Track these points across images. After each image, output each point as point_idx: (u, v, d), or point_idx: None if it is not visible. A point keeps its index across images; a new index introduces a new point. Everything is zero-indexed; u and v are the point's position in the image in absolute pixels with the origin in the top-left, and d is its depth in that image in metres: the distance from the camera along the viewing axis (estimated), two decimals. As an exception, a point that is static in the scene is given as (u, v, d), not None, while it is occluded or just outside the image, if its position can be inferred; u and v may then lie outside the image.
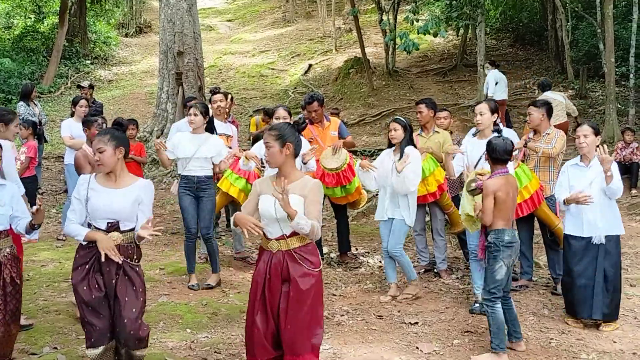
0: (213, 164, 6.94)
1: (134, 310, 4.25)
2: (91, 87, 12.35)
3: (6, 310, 4.40)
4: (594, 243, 6.01)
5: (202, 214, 6.97)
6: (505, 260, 5.30)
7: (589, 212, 6.02)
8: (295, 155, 4.21)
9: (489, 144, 5.47)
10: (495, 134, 6.02)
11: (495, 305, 5.29)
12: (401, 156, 6.66)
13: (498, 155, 5.40)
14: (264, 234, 4.14)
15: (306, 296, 4.07)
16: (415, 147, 6.83)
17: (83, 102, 9.21)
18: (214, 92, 8.51)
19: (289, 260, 4.08)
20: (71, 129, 8.84)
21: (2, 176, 4.83)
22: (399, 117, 6.93)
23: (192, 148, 6.84)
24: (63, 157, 10.01)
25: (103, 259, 4.16)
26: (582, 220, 6.06)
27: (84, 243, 4.25)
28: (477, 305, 6.46)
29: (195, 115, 6.90)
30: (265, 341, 4.10)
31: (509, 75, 19.28)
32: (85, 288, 4.20)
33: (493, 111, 6.63)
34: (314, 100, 8.16)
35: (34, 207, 4.36)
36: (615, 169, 5.98)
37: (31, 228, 4.46)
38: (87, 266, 4.22)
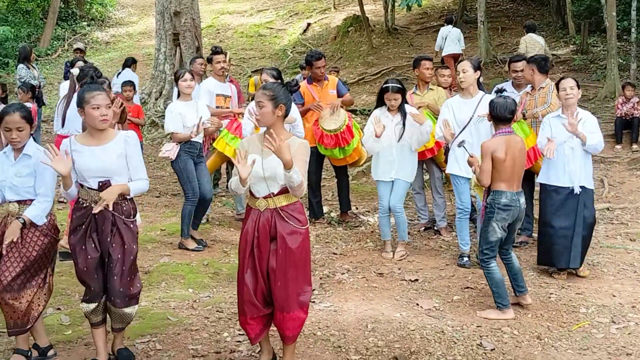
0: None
1: (123, 268, 4.25)
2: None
3: (6, 277, 4.25)
4: (575, 193, 6.09)
5: (206, 180, 7.11)
6: (499, 223, 5.27)
7: (570, 162, 6.10)
8: (285, 116, 4.22)
9: (491, 103, 5.41)
10: (498, 93, 5.98)
11: (490, 266, 5.31)
12: (404, 118, 6.73)
13: (499, 114, 5.34)
14: (251, 192, 4.16)
15: (294, 254, 4.09)
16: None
17: (80, 64, 9.11)
18: (216, 51, 8.42)
19: (277, 219, 4.10)
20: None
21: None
22: (394, 84, 6.78)
23: (193, 115, 6.93)
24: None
25: (96, 213, 4.15)
26: (563, 170, 6.13)
27: (77, 202, 4.23)
28: (466, 259, 6.58)
29: (192, 80, 7.06)
30: (254, 299, 4.13)
31: (510, 31, 19.12)
32: (82, 248, 4.19)
33: (476, 68, 6.62)
34: (321, 56, 8.16)
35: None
36: (594, 125, 6.15)
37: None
38: (84, 227, 4.21)
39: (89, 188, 4.22)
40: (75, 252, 4.23)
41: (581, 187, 6.11)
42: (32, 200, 4.33)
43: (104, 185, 4.19)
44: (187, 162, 6.93)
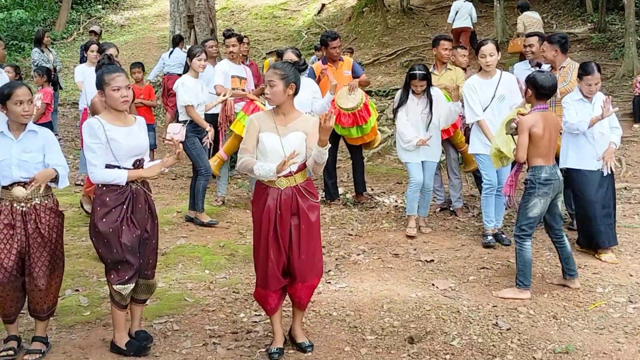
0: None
1: (154, 241, 4.46)
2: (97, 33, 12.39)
3: (41, 263, 4.29)
4: (604, 174, 6.07)
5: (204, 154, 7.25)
6: (540, 198, 5.26)
7: (601, 146, 6.07)
8: (295, 94, 4.28)
9: (532, 78, 5.31)
10: (537, 68, 6.00)
11: (525, 243, 5.30)
12: (431, 103, 6.78)
13: (544, 90, 5.28)
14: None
15: (314, 227, 4.31)
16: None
17: (94, 46, 9.10)
18: (228, 35, 8.40)
19: (298, 195, 4.24)
20: (84, 74, 8.79)
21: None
22: (420, 70, 6.75)
23: (200, 93, 7.09)
24: (78, 104, 10.01)
25: (135, 193, 4.28)
26: (595, 154, 6.08)
27: (122, 184, 4.22)
28: (490, 237, 6.55)
29: (205, 60, 7.16)
30: (278, 273, 4.28)
31: (526, 10, 18.87)
32: (124, 228, 4.21)
33: (498, 49, 6.59)
34: (337, 36, 8.18)
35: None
36: (614, 117, 6.18)
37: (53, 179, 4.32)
38: (124, 207, 4.22)
39: (124, 168, 4.25)
40: (117, 232, 4.18)
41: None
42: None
43: (139, 164, 4.29)
44: (196, 141, 7.07)
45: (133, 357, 4.34)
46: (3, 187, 4.27)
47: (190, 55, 7.18)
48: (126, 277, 4.25)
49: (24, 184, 4.23)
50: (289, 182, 4.23)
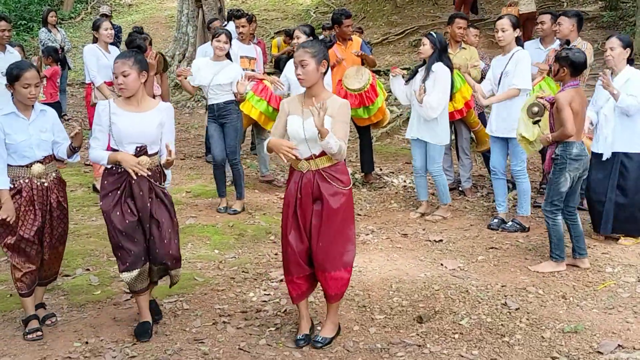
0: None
1: (170, 230, 4.33)
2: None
3: (53, 235, 4.46)
4: (602, 159, 6.02)
5: (227, 140, 7.01)
6: (571, 173, 5.30)
7: (604, 127, 6.01)
8: (325, 73, 4.16)
9: (567, 57, 5.29)
10: (566, 45, 5.98)
11: (557, 218, 5.36)
12: (426, 75, 6.55)
13: (581, 67, 5.32)
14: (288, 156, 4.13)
15: (336, 214, 4.10)
16: (450, 66, 6.66)
17: (107, 24, 8.89)
18: (238, 15, 8.33)
19: (319, 180, 4.08)
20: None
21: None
22: (431, 32, 6.74)
23: (209, 75, 6.85)
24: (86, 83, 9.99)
25: (134, 179, 4.19)
26: (597, 137, 6.06)
27: (109, 167, 4.26)
28: (495, 220, 6.54)
29: (226, 43, 6.91)
30: (299, 259, 4.16)
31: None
32: (118, 214, 4.21)
33: (515, 26, 6.46)
34: (350, 14, 8.19)
35: (74, 131, 4.32)
36: (638, 86, 5.87)
37: (72, 151, 4.42)
38: (118, 192, 4.23)
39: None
40: (110, 216, 4.22)
41: (615, 153, 5.99)
42: (52, 157, 4.45)
43: (140, 151, 4.23)
44: (209, 126, 7.09)
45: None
46: (20, 166, 4.35)
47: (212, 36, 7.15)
48: (127, 264, 4.27)
49: (42, 161, 4.38)
50: (310, 165, 4.11)
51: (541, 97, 5.66)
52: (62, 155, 4.45)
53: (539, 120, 5.67)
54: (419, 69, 6.73)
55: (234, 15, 8.34)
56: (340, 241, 4.17)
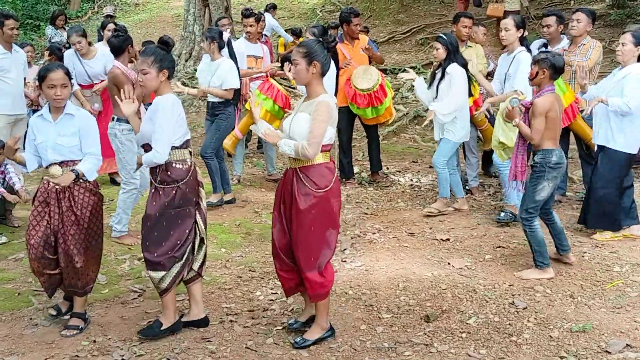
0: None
1: (160, 227, 4.35)
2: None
3: (67, 240, 4.35)
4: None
5: (208, 136, 7.19)
6: (550, 182, 5.22)
7: (602, 121, 6.00)
8: (323, 74, 4.14)
9: (548, 60, 5.17)
10: (544, 48, 5.96)
11: (533, 224, 5.26)
12: (442, 76, 6.64)
13: (559, 70, 5.22)
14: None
15: (305, 215, 4.06)
16: (464, 64, 6.69)
17: (111, 25, 9.14)
18: (247, 14, 8.32)
19: (295, 179, 4.11)
20: (102, 53, 8.79)
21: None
22: (441, 35, 6.76)
23: (207, 76, 7.07)
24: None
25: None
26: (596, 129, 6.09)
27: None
28: (503, 214, 6.56)
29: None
30: (280, 252, 4.23)
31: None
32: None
33: (519, 26, 6.46)
34: (359, 13, 8.22)
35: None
36: (633, 85, 5.77)
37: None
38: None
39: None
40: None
41: (601, 146, 5.99)
42: (73, 161, 4.36)
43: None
44: (206, 123, 7.21)
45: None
46: (42, 167, 4.43)
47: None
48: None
49: (60, 164, 4.35)
50: (291, 163, 4.17)
51: (516, 98, 5.63)
52: (79, 167, 4.35)
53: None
54: (437, 72, 6.78)
55: (243, 14, 8.33)
56: (313, 243, 4.12)
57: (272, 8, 13.70)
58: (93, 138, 4.43)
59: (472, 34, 7.60)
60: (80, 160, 4.37)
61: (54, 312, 4.60)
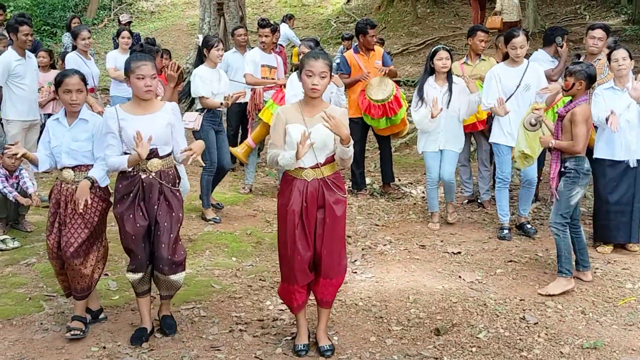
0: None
1: (171, 235, 4.33)
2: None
3: (67, 241, 4.36)
4: (631, 167, 5.98)
5: (226, 149, 7.08)
6: (582, 188, 5.33)
7: (627, 134, 5.95)
8: None
9: (584, 71, 5.27)
10: (576, 59, 6.01)
11: (566, 229, 5.33)
12: (450, 85, 6.66)
13: (593, 80, 5.37)
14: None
15: (339, 221, 4.18)
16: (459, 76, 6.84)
17: (125, 33, 9.23)
18: (263, 24, 8.35)
19: (325, 188, 4.13)
20: (116, 60, 8.88)
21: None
22: (444, 46, 6.79)
23: (217, 84, 6.87)
24: (109, 89, 10.09)
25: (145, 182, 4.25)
26: (617, 144, 5.99)
27: (129, 170, 4.27)
28: (506, 231, 6.56)
29: (223, 50, 7.03)
30: (306, 267, 4.18)
31: (559, 0, 18.64)
32: (130, 217, 4.25)
33: (527, 39, 6.50)
34: (375, 24, 8.19)
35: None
36: None
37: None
38: (131, 195, 4.27)
39: None
40: (123, 220, 4.28)
41: (638, 160, 5.99)
42: (87, 166, 4.41)
43: (151, 154, 4.24)
44: (209, 132, 6.82)
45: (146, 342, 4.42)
46: (57, 169, 4.51)
47: (208, 45, 6.87)
48: (133, 267, 4.38)
49: (73, 168, 4.41)
50: (315, 174, 4.13)
51: (537, 109, 5.67)
52: (91, 174, 4.39)
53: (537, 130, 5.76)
54: (431, 84, 6.77)
55: (259, 24, 8.36)
56: (343, 248, 4.29)
57: (289, 18, 13.78)
58: (104, 144, 4.45)
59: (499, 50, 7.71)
60: (85, 166, 4.44)
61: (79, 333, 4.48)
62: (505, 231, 6.56)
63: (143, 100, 4.30)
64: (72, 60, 7.99)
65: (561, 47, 7.06)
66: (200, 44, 6.96)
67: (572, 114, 5.28)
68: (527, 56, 6.75)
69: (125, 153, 4.29)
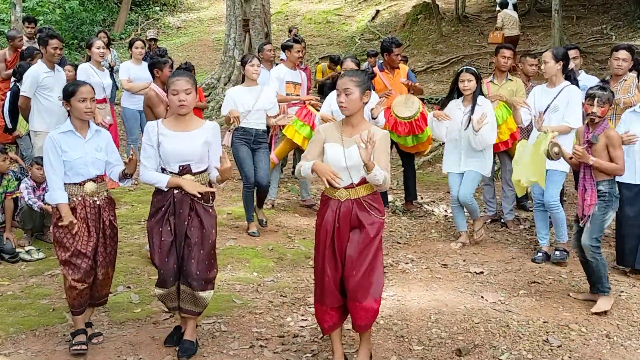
0: (267, 116, 7.01)
1: (201, 251, 4.33)
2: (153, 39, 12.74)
3: (106, 253, 4.50)
4: None
5: (262, 166, 7.04)
6: (614, 211, 5.38)
7: None
8: (365, 104, 4.18)
9: (611, 96, 5.33)
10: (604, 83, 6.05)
11: (600, 252, 5.34)
12: (473, 107, 6.61)
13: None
14: (329, 182, 4.06)
15: (373, 243, 4.06)
16: (485, 95, 6.76)
17: (139, 43, 9.26)
18: (295, 40, 8.42)
19: (358, 209, 4.05)
20: (129, 71, 8.97)
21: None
22: (470, 67, 6.79)
23: (251, 101, 6.89)
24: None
25: (195, 196, 4.30)
26: (633, 167, 5.96)
27: (165, 189, 4.33)
28: (540, 254, 6.44)
29: (259, 66, 7.02)
30: (335, 289, 4.10)
31: (585, 20, 18.58)
32: (159, 231, 4.30)
33: (558, 59, 6.37)
34: (401, 43, 8.22)
35: (130, 158, 4.42)
36: None
37: (124, 176, 4.52)
38: (162, 209, 4.32)
39: (170, 172, 4.34)
40: (152, 234, 4.34)
41: None
42: (102, 176, 4.53)
43: (183, 170, 4.30)
44: (239, 149, 6.90)
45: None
46: (74, 184, 4.44)
47: (243, 62, 7.13)
48: (158, 281, 4.41)
49: (94, 179, 4.46)
50: (349, 194, 4.07)
51: (554, 143, 5.61)
52: (115, 178, 4.54)
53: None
54: (457, 104, 6.78)
55: (293, 40, 8.45)
56: (374, 270, 4.11)
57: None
58: (116, 150, 4.68)
59: (520, 64, 7.66)
60: (104, 175, 4.56)
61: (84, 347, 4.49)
62: (539, 254, 6.46)
63: (182, 117, 4.35)
64: (83, 70, 8.08)
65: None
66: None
67: (609, 138, 5.27)
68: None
69: (162, 168, 4.37)
